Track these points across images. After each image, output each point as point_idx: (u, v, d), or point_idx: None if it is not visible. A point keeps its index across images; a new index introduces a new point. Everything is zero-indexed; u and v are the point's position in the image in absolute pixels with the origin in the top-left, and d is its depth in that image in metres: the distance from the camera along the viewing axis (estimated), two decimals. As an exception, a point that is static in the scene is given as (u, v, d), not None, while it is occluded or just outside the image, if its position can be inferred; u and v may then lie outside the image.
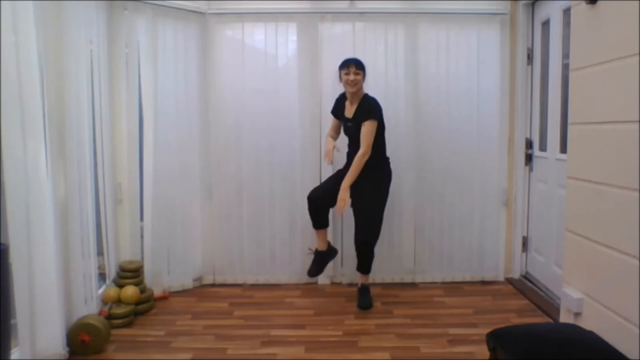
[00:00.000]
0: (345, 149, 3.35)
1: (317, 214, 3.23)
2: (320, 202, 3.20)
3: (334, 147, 3.26)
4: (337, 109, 3.31)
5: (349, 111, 3.19)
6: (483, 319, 2.99)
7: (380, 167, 3.21)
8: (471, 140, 3.63)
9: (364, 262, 3.24)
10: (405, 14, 3.55)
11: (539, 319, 3.00)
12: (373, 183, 3.16)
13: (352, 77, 3.09)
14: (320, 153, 3.60)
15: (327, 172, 3.54)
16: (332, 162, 3.36)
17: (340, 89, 3.30)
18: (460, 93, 3.60)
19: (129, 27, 3.22)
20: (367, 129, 3.07)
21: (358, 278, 3.33)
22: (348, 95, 3.19)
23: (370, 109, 3.11)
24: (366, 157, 3.07)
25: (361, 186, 3.11)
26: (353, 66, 3.10)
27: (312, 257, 3.33)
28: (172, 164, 3.43)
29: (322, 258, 3.31)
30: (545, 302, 3.16)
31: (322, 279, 3.67)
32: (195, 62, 3.53)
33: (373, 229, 3.17)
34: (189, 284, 3.57)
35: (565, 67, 2.90)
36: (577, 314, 2.19)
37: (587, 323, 2.08)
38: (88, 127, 2.80)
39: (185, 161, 3.51)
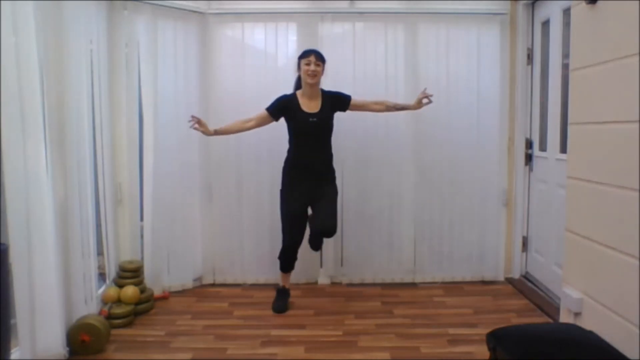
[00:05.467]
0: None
1: (292, 258, 3.20)
2: (296, 248, 3.16)
3: (207, 131, 3.02)
4: (282, 109, 3.07)
5: (311, 106, 3.05)
6: (483, 319, 2.99)
7: (333, 172, 3.21)
8: (471, 140, 3.62)
9: (321, 243, 3.12)
10: (405, 14, 3.55)
11: (539, 319, 3.00)
12: (330, 180, 3.16)
13: (312, 67, 2.98)
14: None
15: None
16: (192, 125, 3.00)
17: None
18: (460, 93, 3.60)
19: (129, 27, 3.22)
20: (360, 98, 3.19)
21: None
22: (305, 89, 3.06)
23: (341, 94, 3.15)
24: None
25: (322, 184, 3.09)
26: (313, 56, 3.01)
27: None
28: (172, 164, 3.43)
29: (287, 294, 3.27)
30: (545, 302, 3.16)
31: (322, 279, 3.68)
32: (195, 62, 3.53)
33: (336, 220, 3.07)
34: (189, 284, 3.58)
35: (565, 67, 2.90)
36: (577, 314, 2.20)
37: (587, 323, 2.08)
38: (88, 127, 2.80)
39: (185, 161, 3.51)
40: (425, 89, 3.12)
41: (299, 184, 3.08)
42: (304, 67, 3.01)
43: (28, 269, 2.26)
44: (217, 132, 3.07)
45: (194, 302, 3.33)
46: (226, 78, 3.58)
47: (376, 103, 3.20)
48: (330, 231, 3.00)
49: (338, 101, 3.13)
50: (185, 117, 3.47)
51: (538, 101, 3.47)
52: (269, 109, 3.09)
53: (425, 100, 3.12)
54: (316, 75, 3.01)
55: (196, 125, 3.00)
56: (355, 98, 3.17)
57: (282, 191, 3.17)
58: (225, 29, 3.60)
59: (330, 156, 3.17)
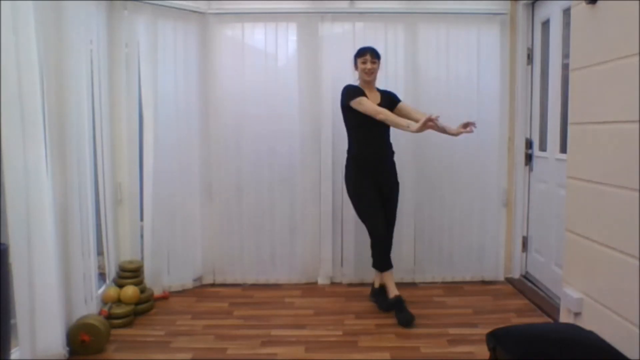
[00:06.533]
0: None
1: (388, 248, 3.07)
2: (389, 234, 3.09)
3: (431, 119, 2.71)
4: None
5: (374, 98, 3.09)
6: (483, 319, 2.99)
7: (394, 159, 3.26)
8: (471, 140, 3.60)
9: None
10: (405, 14, 3.56)
11: (539, 319, 3.00)
12: (396, 176, 3.25)
13: (369, 65, 3.05)
14: (320, 153, 3.59)
15: (327, 171, 3.54)
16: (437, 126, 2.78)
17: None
18: (460, 93, 3.60)
19: (129, 27, 3.22)
20: (408, 105, 3.23)
21: (384, 281, 3.16)
22: (363, 85, 3.11)
23: (393, 93, 3.23)
24: None
25: (392, 179, 3.20)
26: (369, 54, 3.07)
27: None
28: (172, 164, 3.43)
29: (402, 302, 3.01)
30: (545, 302, 3.16)
31: (322, 279, 3.67)
32: (195, 62, 3.52)
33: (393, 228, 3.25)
34: (189, 284, 3.58)
35: (565, 67, 2.90)
36: (577, 314, 2.19)
37: (587, 323, 2.08)
38: (88, 127, 2.80)
39: (185, 161, 3.51)
40: (474, 122, 3.01)
41: (368, 175, 3.08)
42: (360, 66, 3.08)
43: (28, 269, 2.26)
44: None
45: (194, 302, 3.33)
46: (226, 78, 3.58)
47: (421, 114, 3.10)
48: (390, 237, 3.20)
49: (391, 99, 3.18)
50: (185, 117, 3.49)
51: (538, 101, 3.47)
52: (363, 94, 3.03)
53: (468, 129, 2.99)
54: (373, 73, 3.08)
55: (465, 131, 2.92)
56: (404, 103, 3.22)
57: (351, 186, 3.14)
58: (225, 29, 3.60)
59: (392, 149, 3.21)
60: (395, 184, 3.24)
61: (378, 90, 3.18)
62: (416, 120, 2.88)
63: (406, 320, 2.90)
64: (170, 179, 3.42)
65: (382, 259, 3.09)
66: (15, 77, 2.17)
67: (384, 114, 2.93)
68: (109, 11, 3.13)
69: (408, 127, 2.84)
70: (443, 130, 3.03)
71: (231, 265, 3.68)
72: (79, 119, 2.66)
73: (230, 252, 3.68)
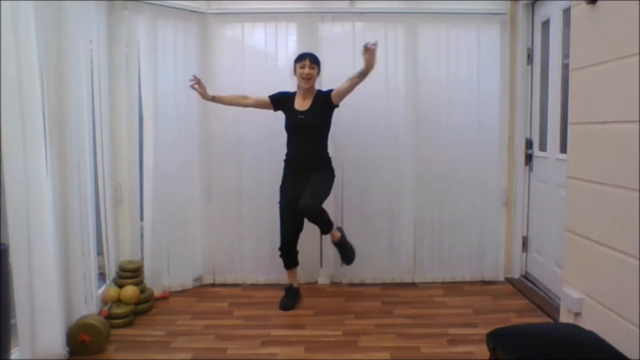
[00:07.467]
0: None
1: (290, 253, 3.28)
2: (292, 242, 3.26)
3: (205, 93, 3.16)
4: (281, 101, 3.20)
5: (302, 104, 3.13)
6: (483, 319, 2.99)
7: (327, 167, 3.21)
8: (471, 140, 3.62)
9: (320, 222, 3.05)
10: (405, 14, 3.56)
11: (539, 319, 3.00)
12: (320, 174, 3.13)
13: (307, 70, 3.07)
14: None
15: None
16: (192, 84, 3.13)
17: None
18: (460, 93, 3.60)
19: (129, 27, 3.22)
20: (339, 87, 3.01)
21: (330, 238, 3.19)
22: (301, 91, 3.16)
23: (327, 91, 3.11)
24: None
25: (310, 177, 3.09)
26: (308, 60, 3.09)
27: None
28: (172, 164, 3.43)
29: (295, 293, 3.31)
30: (545, 302, 3.16)
31: (322, 279, 3.68)
32: (195, 62, 3.52)
33: (318, 199, 3.01)
34: (189, 284, 3.58)
35: (565, 67, 2.90)
36: (577, 314, 2.20)
37: (587, 323, 2.08)
38: (88, 127, 2.80)
39: (185, 161, 3.51)
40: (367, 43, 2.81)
41: (290, 180, 3.20)
42: (299, 70, 3.11)
43: (28, 269, 2.26)
44: (214, 98, 3.22)
45: (194, 302, 3.33)
46: (226, 78, 3.57)
47: (348, 80, 2.97)
48: (306, 209, 2.97)
49: (326, 99, 3.12)
50: (185, 117, 3.49)
51: (538, 101, 3.47)
52: (270, 96, 3.24)
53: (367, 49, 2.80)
54: (310, 79, 3.11)
55: (195, 85, 3.13)
56: (337, 88, 3.04)
57: (279, 187, 3.28)
58: (225, 29, 3.61)
59: (320, 155, 3.18)
60: (317, 173, 3.10)
61: (317, 93, 3.14)
62: (352, 86, 2.93)
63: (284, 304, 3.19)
64: (170, 179, 3.43)
65: (288, 260, 3.30)
66: (15, 77, 2.17)
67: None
68: (109, 11, 3.14)
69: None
70: (360, 72, 2.88)
71: (231, 265, 3.68)
72: (79, 119, 2.66)
73: (230, 252, 3.68)
